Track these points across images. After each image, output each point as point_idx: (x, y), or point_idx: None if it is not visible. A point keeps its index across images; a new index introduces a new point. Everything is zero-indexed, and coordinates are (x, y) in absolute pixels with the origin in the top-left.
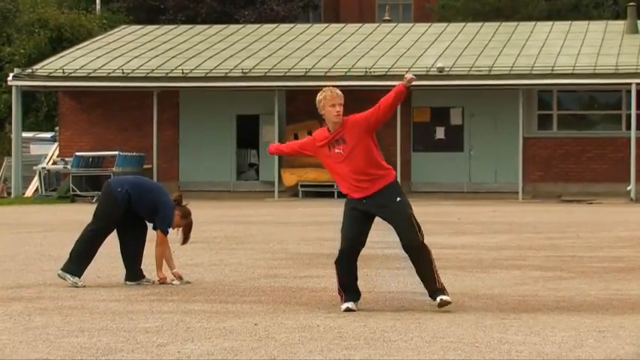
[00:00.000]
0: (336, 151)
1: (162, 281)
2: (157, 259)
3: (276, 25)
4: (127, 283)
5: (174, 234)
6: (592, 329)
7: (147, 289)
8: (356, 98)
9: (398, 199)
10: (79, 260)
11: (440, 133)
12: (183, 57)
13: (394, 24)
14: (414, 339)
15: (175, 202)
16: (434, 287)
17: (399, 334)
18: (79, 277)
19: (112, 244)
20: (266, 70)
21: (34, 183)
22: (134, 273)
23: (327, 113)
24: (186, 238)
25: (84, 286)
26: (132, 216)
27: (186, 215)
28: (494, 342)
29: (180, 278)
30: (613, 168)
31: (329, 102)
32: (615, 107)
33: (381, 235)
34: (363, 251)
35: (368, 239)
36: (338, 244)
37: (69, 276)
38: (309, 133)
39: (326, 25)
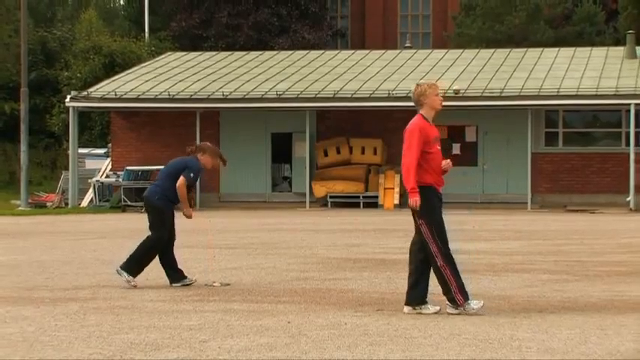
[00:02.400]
0: (438, 147)
1: (190, 214)
2: (181, 197)
3: (307, 51)
4: (173, 285)
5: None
6: (595, 327)
7: (190, 290)
8: (379, 117)
9: None
10: (136, 262)
11: (456, 149)
12: (224, 80)
13: (414, 50)
14: (433, 336)
15: (191, 153)
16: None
17: (419, 332)
18: (134, 277)
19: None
20: (298, 93)
21: (89, 194)
22: (176, 276)
23: (433, 102)
24: (223, 161)
25: (135, 286)
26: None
27: (204, 149)
28: (505, 338)
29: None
30: (614, 180)
31: (434, 91)
32: (616, 125)
33: (402, 242)
34: (386, 256)
35: (390, 244)
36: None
37: (125, 273)
38: (338, 150)
39: (352, 51)
